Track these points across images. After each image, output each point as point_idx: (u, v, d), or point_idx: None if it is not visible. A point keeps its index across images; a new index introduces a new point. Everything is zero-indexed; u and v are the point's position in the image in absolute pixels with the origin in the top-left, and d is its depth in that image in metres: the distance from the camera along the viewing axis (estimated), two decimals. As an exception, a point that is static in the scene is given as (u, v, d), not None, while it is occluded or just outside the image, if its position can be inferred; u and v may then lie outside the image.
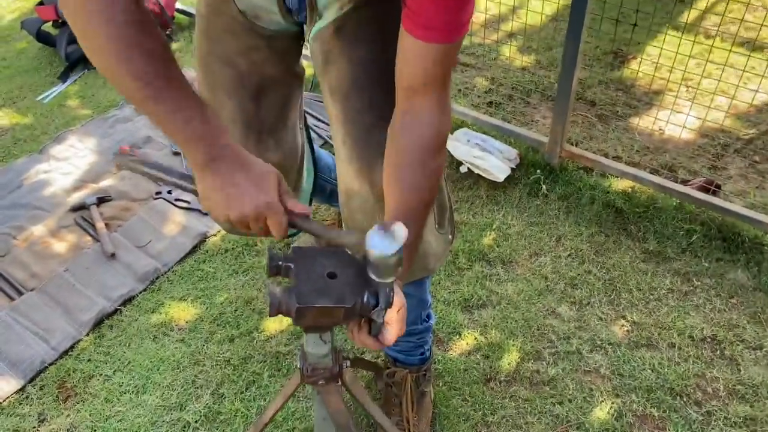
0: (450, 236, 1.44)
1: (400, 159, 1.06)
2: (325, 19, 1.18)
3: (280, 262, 1.05)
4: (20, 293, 2.04)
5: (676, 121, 2.42)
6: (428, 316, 1.62)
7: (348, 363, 1.27)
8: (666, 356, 1.83)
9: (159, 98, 0.88)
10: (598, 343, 1.87)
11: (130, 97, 0.90)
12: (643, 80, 2.77)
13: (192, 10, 3.35)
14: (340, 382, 1.28)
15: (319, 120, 2.66)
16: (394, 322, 1.02)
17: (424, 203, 1.08)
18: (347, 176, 1.27)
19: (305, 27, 1.26)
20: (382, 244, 0.91)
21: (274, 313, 0.99)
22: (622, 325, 1.91)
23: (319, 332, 1.12)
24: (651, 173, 2.28)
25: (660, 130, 2.54)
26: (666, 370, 1.79)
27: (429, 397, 1.71)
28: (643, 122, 2.58)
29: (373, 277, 0.97)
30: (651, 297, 1.98)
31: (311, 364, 1.20)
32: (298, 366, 1.24)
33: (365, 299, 1.00)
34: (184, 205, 2.31)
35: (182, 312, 1.98)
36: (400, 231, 0.91)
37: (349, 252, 1.04)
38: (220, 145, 0.94)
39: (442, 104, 1.05)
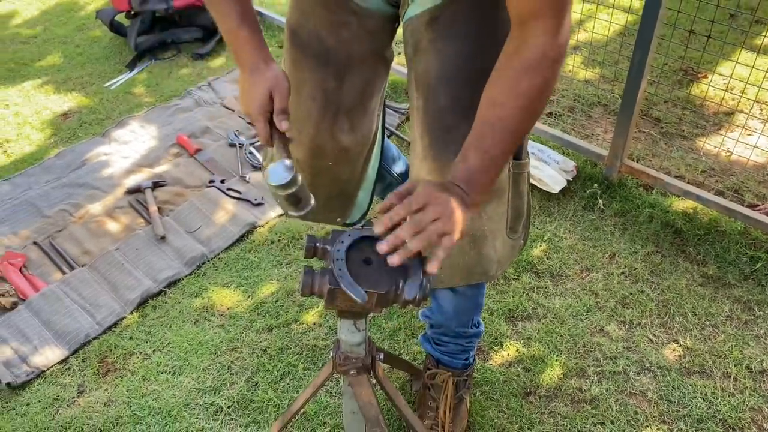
0: (522, 241, 1.39)
1: (495, 75, 1.00)
2: (419, 6, 1.14)
3: (317, 244, 1.04)
4: (72, 268, 2.09)
5: (746, 143, 2.31)
6: (478, 323, 1.59)
7: (381, 355, 1.25)
8: (720, 386, 1.73)
9: (211, 8, 1.12)
10: (647, 365, 1.78)
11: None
12: (712, 100, 2.66)
13: (267, 12, 3.41)
14: (372, 375, 1.25)
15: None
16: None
17: (501, 121, 0.98)
18: (420, 171, 1.24)
19: (400, 9, 1.22)
20: (276, 173, 1.01)
21: (306, 292, 0.98)
22: (674, 350, 1.82)
23: (353, 319, 1.10)
24: (715, 195, 2.17)
25: (728, 151, 2.42)
26: (719, 400, 1.69)
27: (465, 404, 1.66)
28: (710, 142, 2.47)
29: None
30: (707, 323, 1.88)
31: (344, 352, 1.18)
32: (331, 355, 1.22)
33: (400, 287, 0.97)
34: (236, 194, 2.34)
35: (224, 298, 1.99)
36: (288, 173, 1.01)
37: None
38: (245, 52, 1.11)
39: (555, 29, 0.95)
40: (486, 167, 0.99)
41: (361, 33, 1.25)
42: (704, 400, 1.69)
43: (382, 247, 0.91)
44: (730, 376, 1.75)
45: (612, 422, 1.65)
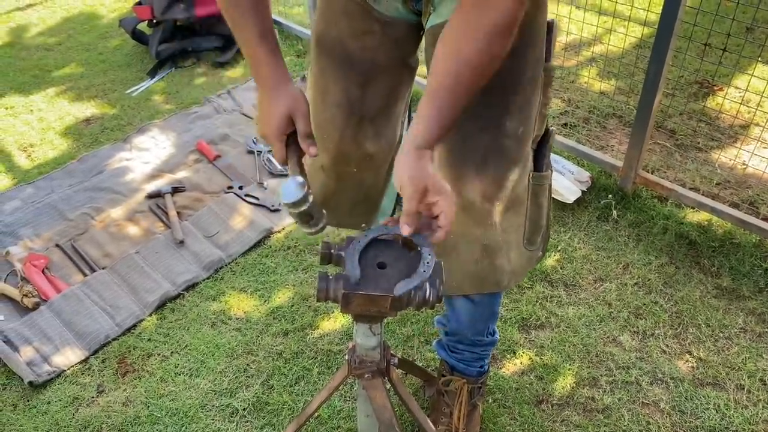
0: (540, 253, 1.38)
1: (462, 33, 0.96)
2: (440, 15, 1.15)
3: (332, 250, 1.07)
4: (93, 270, 2.14)
5: (761, 156, 2.31)
6: (493, 331, 1.60)
7: (396, 360, 1.27)
8: (733, 398, 1.73)
9: (231, 23, 1.10)
10: (660, 376, 1.78)
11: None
12: (728, 112, 2.66)
13: (285, 21, 3.46)
14: (386, 379, 1.27)
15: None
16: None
17: (473, 84, 0.98)
18: None
19: (422, 17, 1.22)
20: (289, 191, 1.03)
21: (321, 297, 1.01)
22: (687, 361, 1.82)
23: (369, 323, 1.12)
24: (730, 207, 2.17)
25: (743, 164, 2.42)
26: (732, 412, 1.69)
27: (479, 411, 1.67)
28: (725, 155, 2.47)
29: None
30: (721, 335, 1.88)
31: (359, 356, 1.20)
32: (347, 358, 1.24)
33: (412, 290, 1.00)
34: (253, 201, 2.37)
35: (241, 302, 2.03)
36: (299, 191, 1.03)
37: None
38: (264, 71, 1.11)
39: None
40: (451, 123, 1.01)
41: (384, 41, 1.26)
42: (717, 411, 1.70)
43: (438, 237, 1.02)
44: (743, 388, 1.75)
45: (624, 432, 1.66)
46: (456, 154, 1.20)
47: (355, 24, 1.25)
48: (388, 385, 1.31)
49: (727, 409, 1.70)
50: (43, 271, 2.10)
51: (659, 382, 1.77)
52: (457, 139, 1.19)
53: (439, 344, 1.68)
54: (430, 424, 1.41)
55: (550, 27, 1.20)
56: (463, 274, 1.32)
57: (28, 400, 1.78)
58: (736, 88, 2.75)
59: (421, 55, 1.30)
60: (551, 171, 1.32)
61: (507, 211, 1.25)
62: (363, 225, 1.55)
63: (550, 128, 1.30)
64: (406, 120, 1.48)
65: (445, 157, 1.21)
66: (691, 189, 2.29)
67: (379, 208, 1.53)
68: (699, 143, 2.55)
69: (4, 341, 1.89)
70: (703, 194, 2.24)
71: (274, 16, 3.46)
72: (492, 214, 1.24)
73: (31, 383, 1.79)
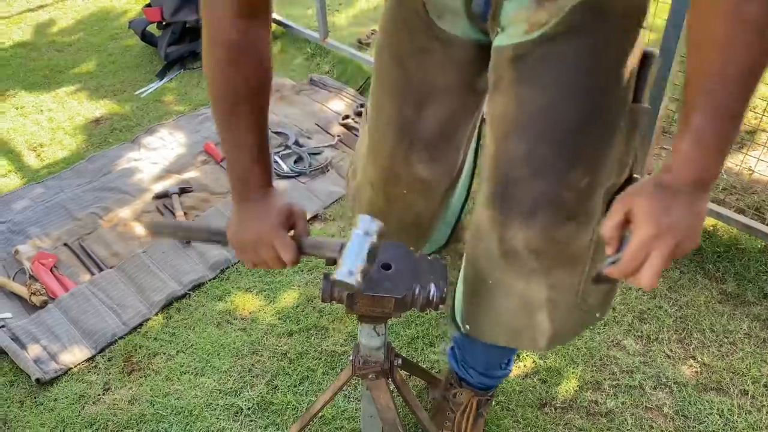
0: (597, 314, 1.20)
1: (701, 8, 0.76)
2: (507, 37, 1.00)
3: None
4: (101, 269, 2.16)
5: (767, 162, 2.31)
6: (508, 362, 1.54)
7: (400, 361, 1.28)
8: (737, 403, 1.73)
9: (222, 132, 0.96)
10: (663, 380, 1.78)
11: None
12: (735, 118, 2.66)
13: (294, 25, 3.47)
14: (390, 380, 1.28)
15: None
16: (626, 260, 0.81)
17: (732, 64, 0.74)
18: (481, 215, 1.13)
19: (491, 36, 1.06)
20: (342, 273, 0.93)
21: (326, 298, 1.02)
22: (691, 366, 1.82)
23: (373, 323, 1.13)
24: (736, 212, 2.17)
25: (749, 169, 2.42)
26: (736, 417, 1.69)
27: (483, 417, 1.67)
28: (732, 160, 2.47)
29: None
30: (725, 340, 1.88)
31: (363, 356, 1.21)
32: (351, 359, 1.26)
33: (416, 291, 1.01)
34: (260, 202, 2.38)
35: (246, 303, 2.04)
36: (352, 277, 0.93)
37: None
38: (254, 192, 0.99)
39: None
40: (721, 130, 0.77)
41: (445, 62, 1.12)
42: (720, 416, 1.70)
43: (612, 271, 0.84)
44: (747, 394, 1.75)
45: (627, 436, 1.66)
46: (499, 197, 1.08)
47: (414, 40, 1.12)
48: (392, 386, 1.32)
49: (730, 414, 1.70)
50: (51, 270, 2.12)
51: (663, 386, 1.77)
52: (503, 182, 1.06)
53: (451, 353, 1.61)
54: (434, 426, 1.42)
55: (646, 60, 1.01)
56: (498, 325, 1.21)
57: (34, 397, 1.80)
58: (743, 93, 2.75)
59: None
60: None
61: (557, 269, 1.09)
62: (411, 249, 1.50)
63: (635, 176, 1.09)
64: (475, 145, 1.35)
65: (490, 195, 1.10)
66: (696, 194, 2.28)
67: (429, 235, 1.40)
68: (705, 148, 2.54)
69: (12, 338, 1.91)
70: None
71: (280, 19, 3.48)
72: (538, 271, 1.09)
73: (38, 380, 1.81)
